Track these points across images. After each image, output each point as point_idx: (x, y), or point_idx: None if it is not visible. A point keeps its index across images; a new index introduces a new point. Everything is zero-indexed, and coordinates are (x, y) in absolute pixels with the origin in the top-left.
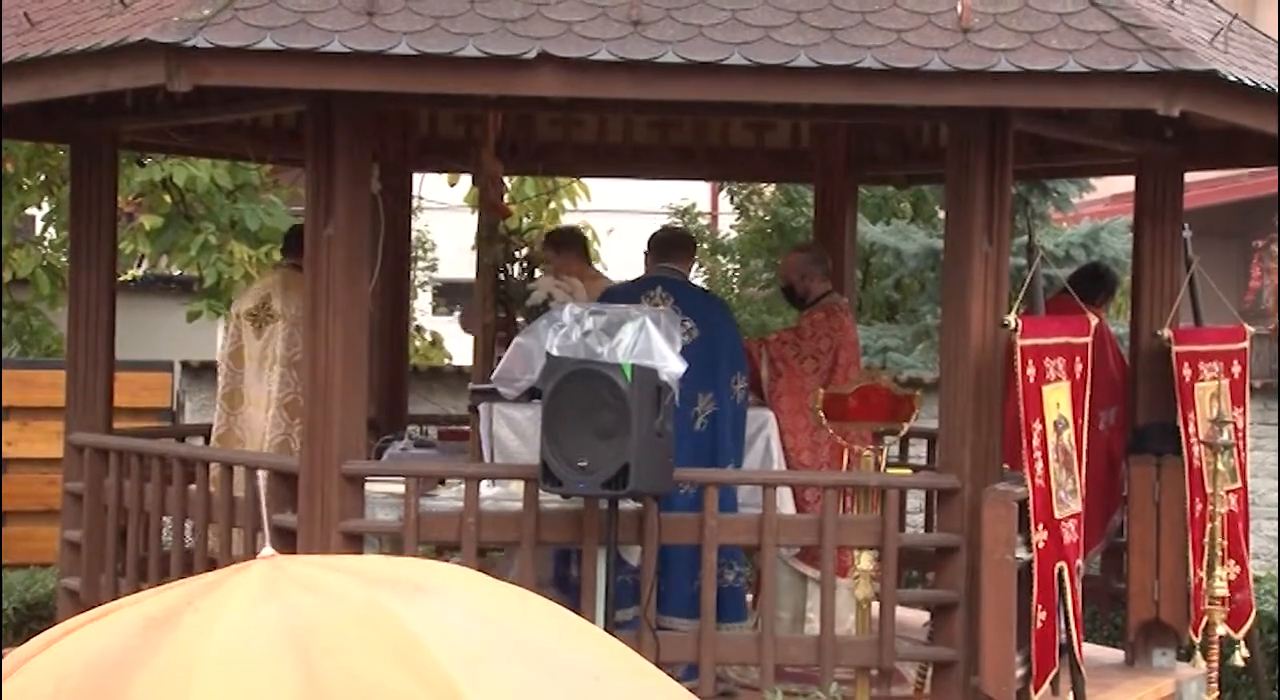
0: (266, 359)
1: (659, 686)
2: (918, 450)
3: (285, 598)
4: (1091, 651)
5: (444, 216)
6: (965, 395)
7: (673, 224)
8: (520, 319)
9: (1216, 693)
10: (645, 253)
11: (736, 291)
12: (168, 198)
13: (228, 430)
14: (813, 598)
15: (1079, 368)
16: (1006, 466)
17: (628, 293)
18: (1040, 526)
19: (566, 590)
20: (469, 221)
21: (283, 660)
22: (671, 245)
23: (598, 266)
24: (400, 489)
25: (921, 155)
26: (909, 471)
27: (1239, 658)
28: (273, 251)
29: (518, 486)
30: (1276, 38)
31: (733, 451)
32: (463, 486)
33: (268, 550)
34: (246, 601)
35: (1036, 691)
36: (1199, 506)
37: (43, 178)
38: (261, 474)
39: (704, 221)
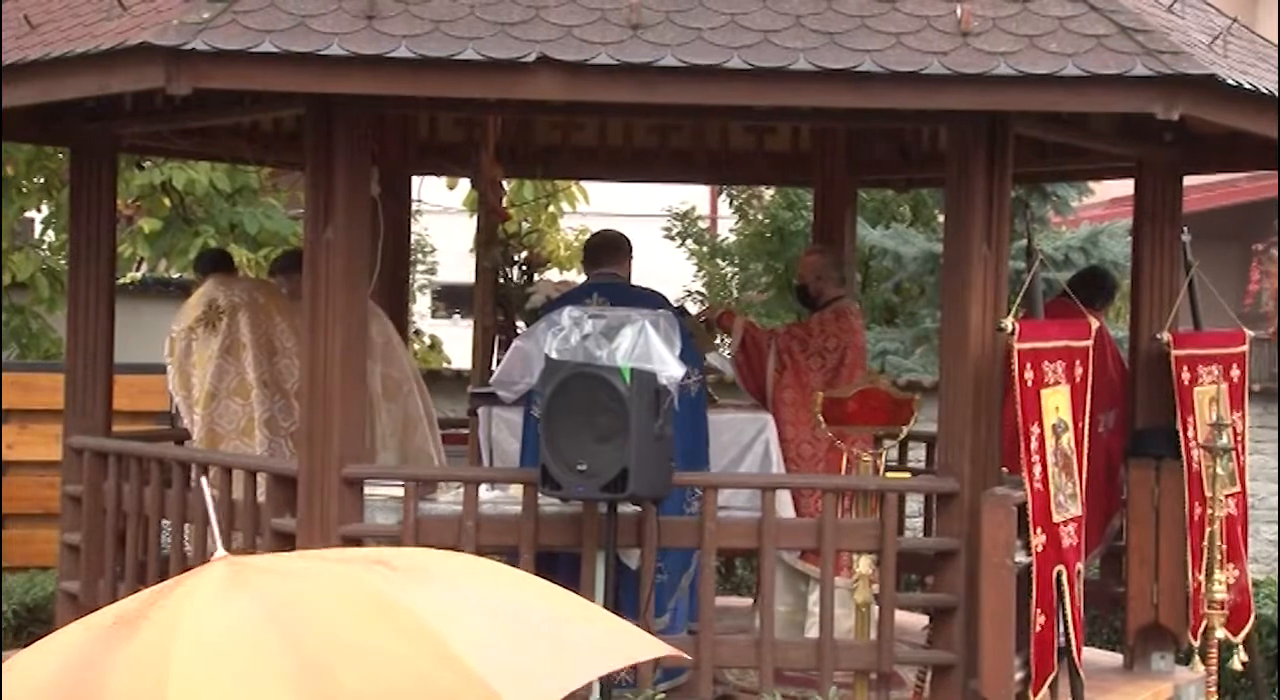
0: (230, 349)
1: (619, 630)
2: (917, 454)
3: (250, 584)
4: (1090, 655)
5: (443, 220)
6: (964, 399)
7: (606, 228)
8: (519, 322)
9: (1215, 697)
10: (582, 261)
11: (736, 295)
12: (167, 201)
13: (209, 430)
14: (813, 594)
15: (1079, 371)
16: (1005, 470)
17: (569, 301)
18: (1039, 530)
19: None
20: (468, 225)
21: (264, 635)
22: (604, 249)
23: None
24: (399, 493)
25: (921, 159)
26: (908, 475)
27: (1238, 662)
28: (271, 254)
29: (517, 490)
30: (1276, 41)
31: (683, 448)
32: (461, 490)
33: (220, 552)
34: (210, 593)
35: (1035, 695)
36: (1198, 510)
37: (42, 181)
38: (210, 471)
39: (703, 225)
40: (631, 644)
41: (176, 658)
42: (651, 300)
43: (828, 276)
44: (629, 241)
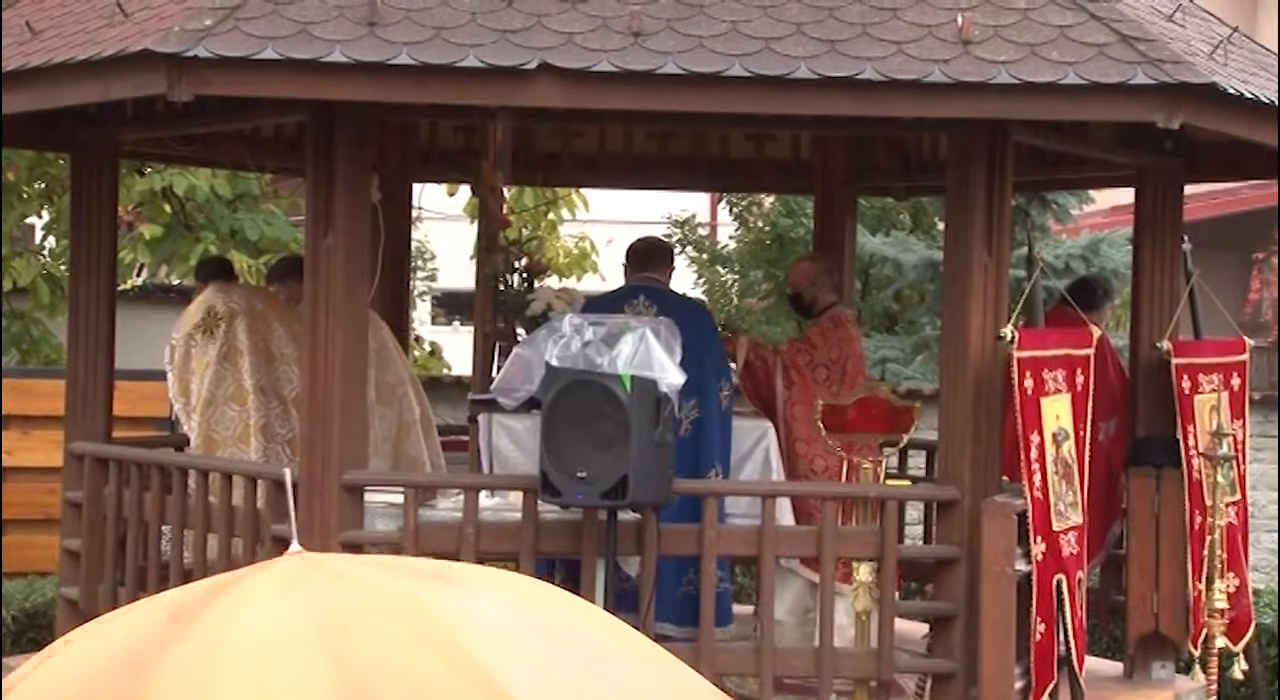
0: (228, 355)
1: (679, 673)
2: (917, 461)
3: (312, 589)
4: (1090, 664)
5: (443, 226)
6: (965, 407)
7: (651, 234)
8: (520, 329)
9: None
10: (624, 264)
11: (736, 302)
12: (168, 207)
13: (206, 436)
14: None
15: (1080, 379)
16: (1006, 478)
17: (609, 302)
18: (1039, 538)
19: None
20: (468, 232)
21: (313, 650)
22: (651, 254)
23: (595, 277)
24: (399, 499)
25: (921, 167)
26: (908, 483)
27: (1238, 670)
28: (273, 260)
29: (517, 497)
30: (1276, 50)
31: (718, 457)
32: (462, 497)
33: (295, 547)
34: (272, 592)
35: None
36: (1198, 519)
37: (43, 186)
38: (286, 472)
39: (703, 232)
40: (689, 690)
41: (226, 663)
42: (695, 307)
43: (821, 283)
44: (672, 249)
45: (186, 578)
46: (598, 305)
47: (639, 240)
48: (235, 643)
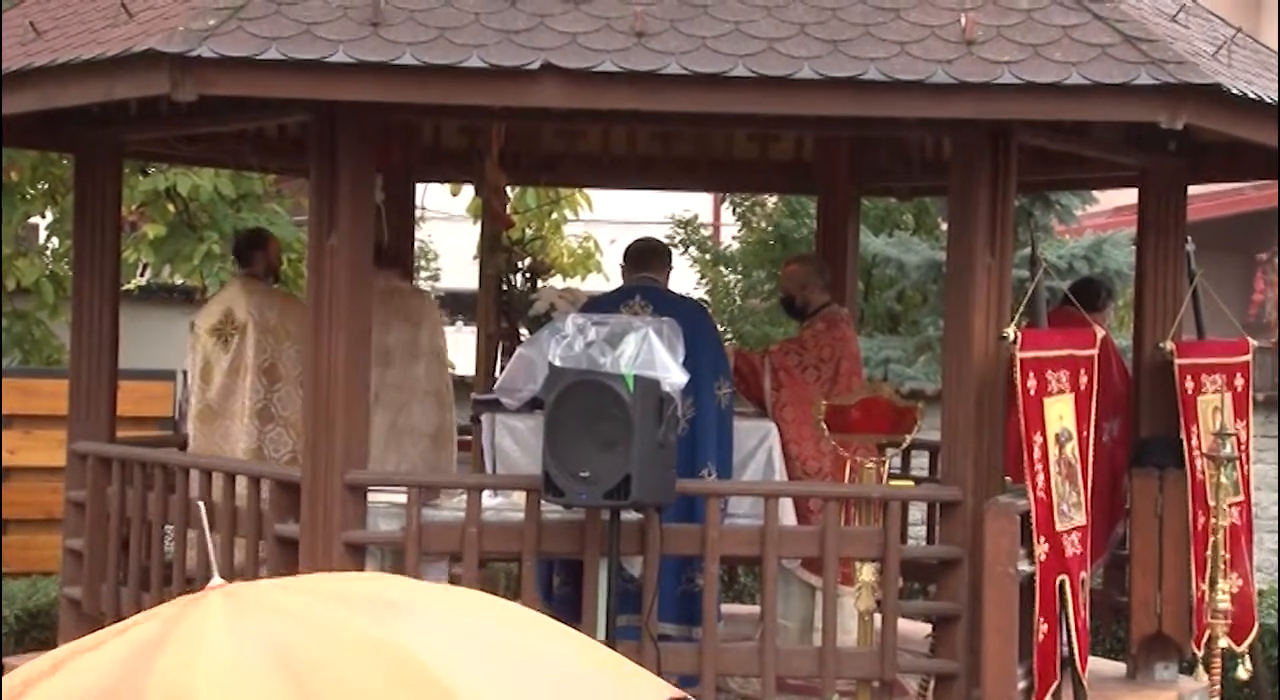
0: (238, 370)
1: (639, 683)
2: (920, 462)
3: (259, 625)
4: (1094, 664)
5: (447, 226)
6: (967, 407)
7: (647, 235)
8: (523, 329)
9: None
10: (621, 265)
11: (739, 302)
12: (171, 207)
13: (204, 448)
14: (819, 608)
15: (1083, 380)
16: (1009, 479)
17: (607, 303)
18: (1042, 539)
19: (549, 600)
20: (472, 232)
21: (276, 687)
22: (647, 255)
23: (599, 277)
24: (402, 499)
25: (924, 167)
26: (911, 483)
27: (1242, 671)
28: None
29: (520, 497)
30: (1279, 51)
31: (714, 456)
32: (465, 497)
33: (217, 580)
34: (219, 632)
35: None
36: (1201, 519)
37: (46, 187)
38: (201, 505)
39: (706, 233)
40: (642, 691)
41: (198, 691)
42: (691, 306)
43: (812, 284)
44: (670, 250)
45: (188, 579)
46: (595, 306)
47: (635, 241)
48: (198, 685)
